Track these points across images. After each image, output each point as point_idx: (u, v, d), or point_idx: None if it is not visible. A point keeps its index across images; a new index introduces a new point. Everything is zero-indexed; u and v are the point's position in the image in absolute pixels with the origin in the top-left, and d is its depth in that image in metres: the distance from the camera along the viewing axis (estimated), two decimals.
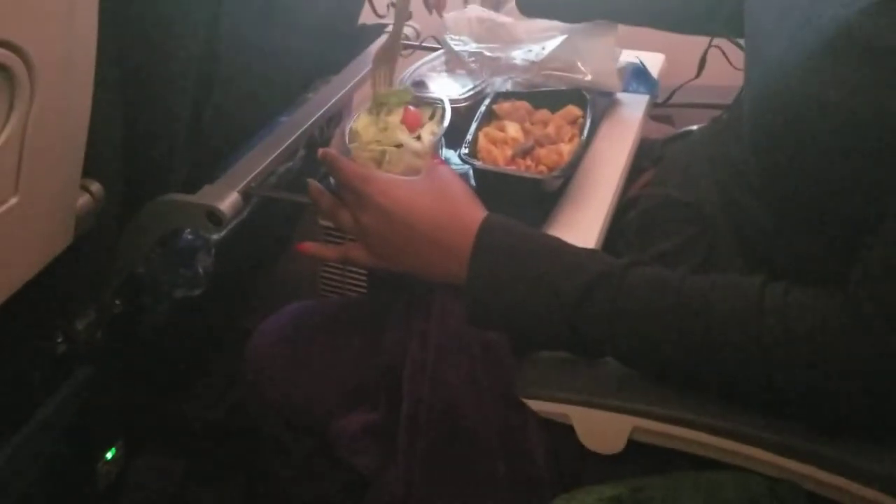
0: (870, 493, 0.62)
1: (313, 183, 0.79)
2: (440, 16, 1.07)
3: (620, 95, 1.07)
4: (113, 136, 0.71)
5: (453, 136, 0.90)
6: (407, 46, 1.17)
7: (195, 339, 1.24)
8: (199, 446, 1.27)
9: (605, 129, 1.01)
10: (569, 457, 0.71)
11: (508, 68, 1.01)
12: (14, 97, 0.55)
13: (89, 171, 0.68)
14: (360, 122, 0.88)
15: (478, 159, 0.86)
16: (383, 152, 0.84)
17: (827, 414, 0.62)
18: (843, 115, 0.59)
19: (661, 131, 1.09)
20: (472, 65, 1.02)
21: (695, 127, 1.00)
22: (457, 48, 1.03)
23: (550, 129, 0.90)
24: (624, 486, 0.66)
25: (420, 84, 1.05)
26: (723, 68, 1.13)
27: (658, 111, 1.22)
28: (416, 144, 0.85)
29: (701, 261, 0.79)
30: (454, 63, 1.04)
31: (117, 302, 0.87)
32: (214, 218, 0.78)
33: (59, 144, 0.62)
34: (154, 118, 0.75)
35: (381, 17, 1.22)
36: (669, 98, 1.21)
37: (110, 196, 0.71)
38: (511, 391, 0.72)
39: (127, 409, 1.02)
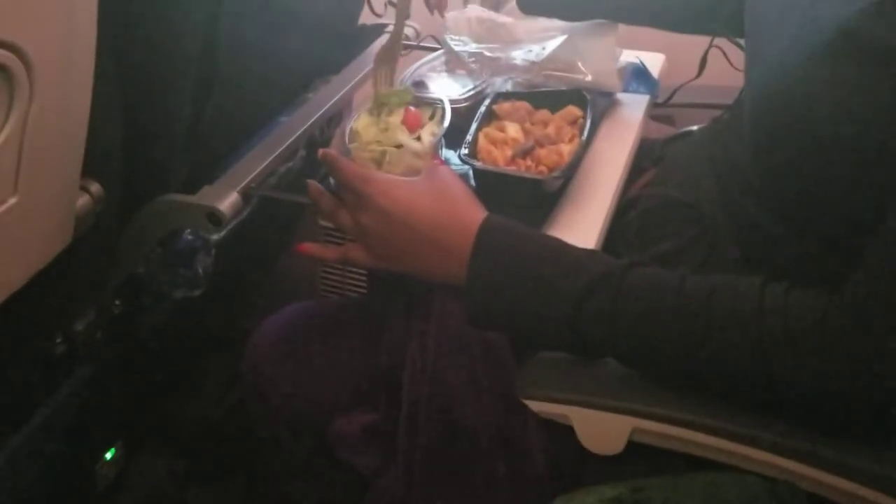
0: (869, 493, 0.62)
1: (313, 183, 0.79)
2: (441, 16, 1.06)
3: (620, 95, 1.07)
4: (113, 137, 0.71)
5: (453, 137, 0.90)
6: (407, 46, 1.17)
7: (195, 339, 1.24)
8: (199, 446, 1.27)
9: (605, 130, 1.00)
10: (569, 457, 0.71)
11: (508, 68, 1.01)
12: (13, 97, 0.55)
13: (89, 171, 0.68)
14: (361, 123, 0.88)
15: (478, 160, 0.86)
16: (383, 153, 0.84)
17: (827, 414, 0.62)
18: (843, 115, 0.59)
19: (662, 131, 1.09)
20: (472, 65, 1.02)
21: (695, 127, 1.00)
22: (457, 48, 1.03)
23: (550, 130, 0.90)
24: (624, 487, 0.66)
25: (420, 84, 1.05)
26: (723, 68, 1.13)
27: (658, 111, 1.22)
28: (416, 145, 0.85)
29: (701, 261, 0.79)
30: (454, 63, 1.04)
31: (117, 302, 0.87)
32: (214, 218, 0.78)
33: (58, 145, 0.62)
34: (154, 118, 0.75)
35: (379, 16, 1.22)
36: (670, 98, 1.21)
37: (110, 196, 0.71)
38: (511, 391, 0.72)
39: (127, 409, 1.02)
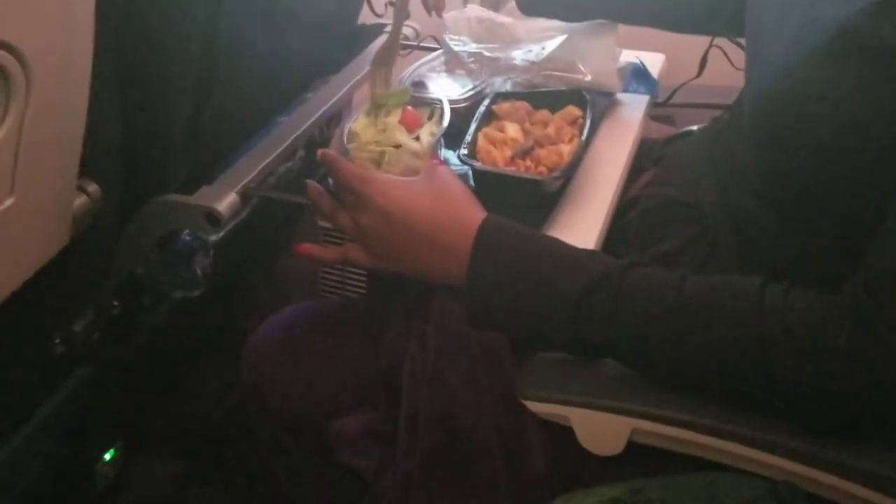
0: (869, 493, 0.62)
1: (312, 184, 0.79)
2: (439, 16, 1.06)
3: (620, 95, 1.07)
4: (111, 137, 0.71)
5: (452, 137, 0.90)
6: (406, 46, 1.17)
7: (194, 339, 1.24)
8: (199, 446, 1.27)
9: (605, 130, 1.00)
10: (568, 458, 0.71)
11: (508, 68, 1.01)
12: (10, 97, 0.55)
13: (87, 171, 0.68)
14: (359, 123, 0.88)
15: (477, 160, 0.86)
16: (382, 153, 0.84)
17: (827, 414, 0.62)
18: (843, 115, 0.59)
19: (662, 131, 1.09)
20: (472, 65, 1.02)
21: (695, 127, 1.00)
22: (456, 48, 1.03)
23: (550, 130, 0.90)
24: (623, 488, 0.66)
25: (419, 84, 1.05)
26: (724, 68, 1.13)
27: (658, 111, 1.22)
28: (414, 145, 0.85)
29: (701, 261, 0.79)
30: (453, 63, 1.04)
31: (116, 303, 0.87)
32: (213, 219, 0.78)
33: (55, 145, 0.62)
34: (153, 118, 0.75)
35: (378, 15, 1.22)
36: (670, 98, 1.21)
37: (108, 197, 0.71)
38: (511, 392, 0.72)
39: (126, 409, 1.02)
